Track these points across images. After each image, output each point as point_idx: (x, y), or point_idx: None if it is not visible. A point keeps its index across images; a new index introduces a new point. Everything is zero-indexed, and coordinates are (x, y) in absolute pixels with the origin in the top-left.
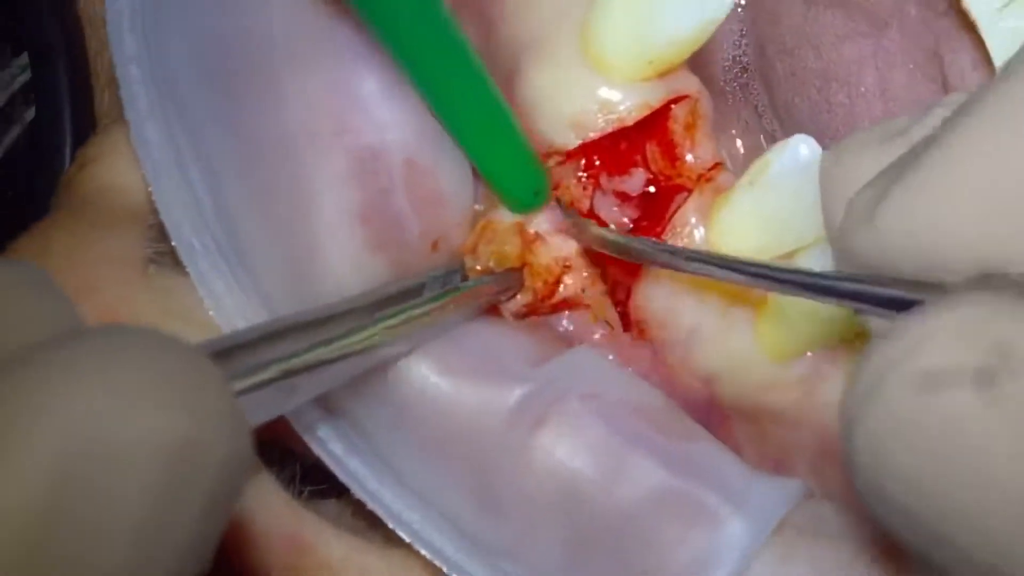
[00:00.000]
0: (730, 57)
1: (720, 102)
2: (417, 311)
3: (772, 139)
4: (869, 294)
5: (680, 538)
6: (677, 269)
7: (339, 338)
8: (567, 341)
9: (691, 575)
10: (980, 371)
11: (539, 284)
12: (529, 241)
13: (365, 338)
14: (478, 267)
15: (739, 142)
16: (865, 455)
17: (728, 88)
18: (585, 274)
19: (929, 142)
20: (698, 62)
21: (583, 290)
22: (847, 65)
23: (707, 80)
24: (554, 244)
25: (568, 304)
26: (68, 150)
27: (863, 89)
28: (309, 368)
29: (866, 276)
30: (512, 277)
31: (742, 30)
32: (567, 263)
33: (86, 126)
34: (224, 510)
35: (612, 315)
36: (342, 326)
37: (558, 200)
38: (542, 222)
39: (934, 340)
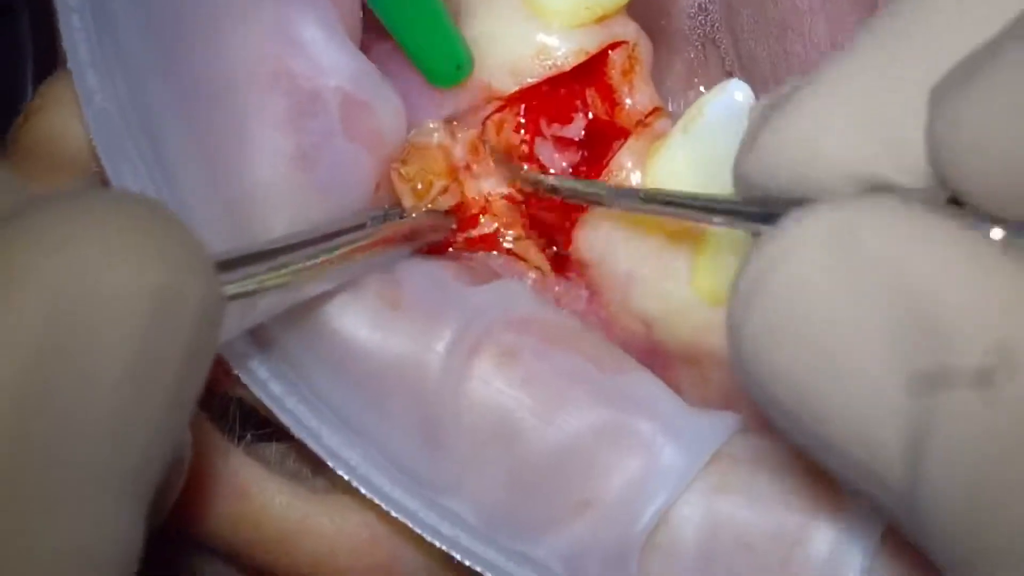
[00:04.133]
0: (696, 5)
1: (685, 51)
2: (353, 244)
3: None
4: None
5: (616, 467)
6: (604, 204)
7: (278, 267)
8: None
9: (628, 503)
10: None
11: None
12: (455, 166)
13: (298, 269)
14: (416, 186)
15: (703, 91)
16: (750, 360)
17: (693, 36)
18: (506, 221)
19: (808, 76)
20: (662, 10)
21: (500, 231)
22: (801, 15)
23: (672, 28)
24: (480, 177)
25: (485, 243)
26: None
27: (816, 39)
28: (248, 295)
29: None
30: (446, 216)
31: None
32: (489, 200)
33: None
34: (204, 356)
35: (540, 259)
36: (282, 259)
37: (491, 148)
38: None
39: (800, 249)
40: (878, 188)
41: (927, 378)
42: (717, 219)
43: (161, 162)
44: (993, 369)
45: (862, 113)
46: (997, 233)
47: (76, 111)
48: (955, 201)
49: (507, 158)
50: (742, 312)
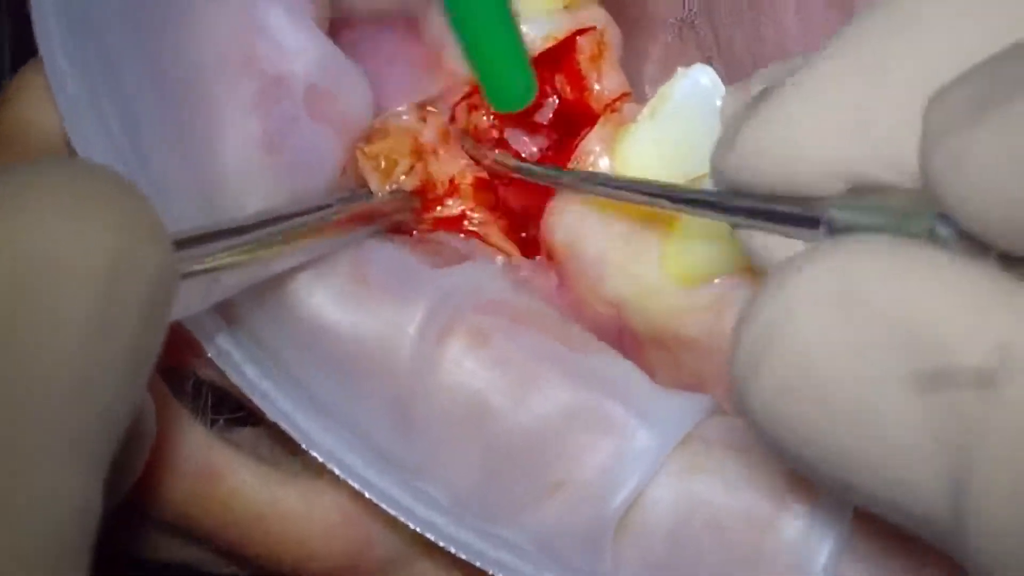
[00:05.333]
0: None
1: (662, 36)
2: (316, 223)
3: None
4: (757, 210)
5: (589, 448)
6: (576, 190)
7: (237, 246)
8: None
9: (601, 484)
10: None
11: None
12: (421, 148)
13: (257, 247)
14: (379, 165)
15: None
16: (763, 420)
17: (670, 20)
18: (471, 204)
19: (793, 69)
20: None
21: (467, 213)
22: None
23: (649, 13)
24: (446, 160)
25: (450, 225)
26: None
27: (786, 24)
28: (205, 272)
29: (741, 194)
30: (410, 197)
31: None
32: (455, 183)
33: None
34: (159, 325)
35: (505, 243)
36: (242, 237)
37: (460, 131)
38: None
39: (802, 306)
40: (865, 187)
41: (957, 395)
42: (693, 209)
43: (135, 147)
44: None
45: (849, 112)
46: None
47: (50, 97)
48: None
49: (476, 141)
50: (750, 373)
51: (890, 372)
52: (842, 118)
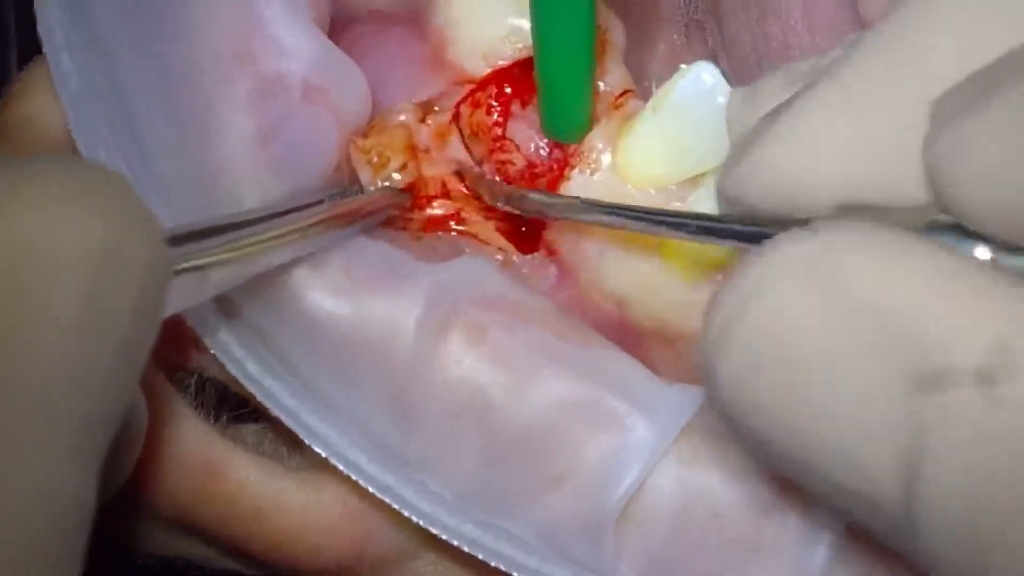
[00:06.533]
0: None
1: (669, 33)
2: (307, 219)
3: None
4: (748, 234)
5: (589, 441)
6: (567, 218)
7: (229, 242)
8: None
9: (602, 477)
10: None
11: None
12: (415, 145)
13: (249, 244)
14: (371, 159)
15: None
16: (729, 396)
17: (677, 18)
18: (464, 205)
19: (798, 92)
20: None
21: (459, 212)
22: None
23: (656, 10)
24: (440, 161)
25: (443, 224)
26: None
27: (792, 22)
28: (197, 269)
29: (741, 217)
30: (400, 194)
31: None
32: (446, 186)
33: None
34: (151, 316)
35: (501, 241)
36: (234, 234)
37: (472, 171)
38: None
39: (779, 280)
40: (861, 209)
41: (920, 389)
42: (700, 237)
43: (136, 143)
44: (991, 373)
45: (852, 139)
46: (984, 252)
47: (55, 94)
48: (938, 224)
49: (490, 183)
50: (717, 348)
51: (864, 349)
52: (845, 145)
